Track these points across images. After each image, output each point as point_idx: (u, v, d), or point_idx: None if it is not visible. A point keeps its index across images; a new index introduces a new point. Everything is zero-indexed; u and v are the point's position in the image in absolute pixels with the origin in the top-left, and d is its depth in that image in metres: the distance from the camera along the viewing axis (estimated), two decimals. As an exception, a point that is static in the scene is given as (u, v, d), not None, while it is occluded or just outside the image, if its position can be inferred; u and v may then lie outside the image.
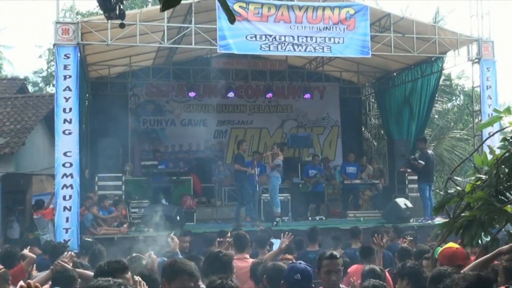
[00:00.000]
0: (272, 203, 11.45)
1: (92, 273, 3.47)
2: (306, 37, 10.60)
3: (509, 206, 2.99)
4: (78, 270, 4.06)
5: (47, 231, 10.42)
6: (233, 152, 16.36)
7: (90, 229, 9.93)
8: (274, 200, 11.42)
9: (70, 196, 9.42)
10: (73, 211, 9.41)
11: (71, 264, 4.20)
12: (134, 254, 4.41)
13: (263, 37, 10.46)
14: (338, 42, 10.81)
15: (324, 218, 12.54)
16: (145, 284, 2.91)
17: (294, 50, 10.68)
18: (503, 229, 3.15)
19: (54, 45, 9.98)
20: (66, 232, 9.30)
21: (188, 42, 10.69)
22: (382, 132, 17.94)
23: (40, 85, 28.45)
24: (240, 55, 13.04)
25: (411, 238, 7.56)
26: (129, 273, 2.93)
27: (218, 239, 6.98)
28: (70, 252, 4.38)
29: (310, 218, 12.48)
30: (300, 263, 3.62)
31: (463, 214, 3.13)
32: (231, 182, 14.76)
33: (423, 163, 11.79)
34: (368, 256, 5.58)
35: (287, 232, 6.09)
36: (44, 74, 27.97)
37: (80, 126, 10.06)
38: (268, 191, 11.75)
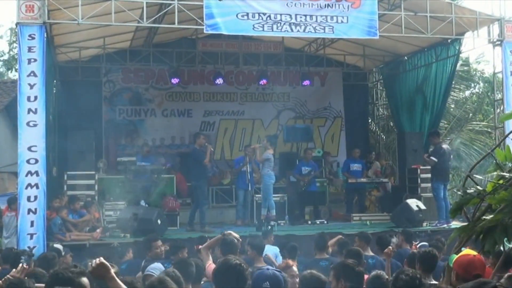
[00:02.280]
0: (264, 204, 11.48)
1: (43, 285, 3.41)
2: (305, 15, 10.57)
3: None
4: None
5: (13, 233, 10.32)
6: (222, 145, 16.45)
7: (58, 235, 9.89)
8: (267, 201, 11.44)
9: (36, 197, 9.35)
10: (39, 214, 9.35)
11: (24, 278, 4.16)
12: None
13: (256, 16, 10.42)
14: (342, 22, 10.78)
15: (325, 222, 12.59)
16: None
17: (292, 30, 10.65)
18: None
19: (17, 24, 9.88)
20: (31, 238, 9.23)
21: (171, 21, 10.63)
22: (392, 124, 17.98)
23: (1, 70, 28.27)
24: (230, 36, 12.97)
25: (425, 243, 7.59)
26: (86, 279, 2.93)
27: (197, 247, 7.03)
28: (22, 264, 4.32)
29: (309, 222, 12.52)
30: (268, 269, 3.62)
31: (483, 217, 3.12)
32: (220, 180, 14.83)
33: (435, 160, 11.82)
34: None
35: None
36: (6, 57, 27.80)
37: (46, 117, 9.99)
38: (261, 191, 11.77)
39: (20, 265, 4.37)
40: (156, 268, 5.43)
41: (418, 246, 7.55)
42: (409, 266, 5.57)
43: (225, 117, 16.49)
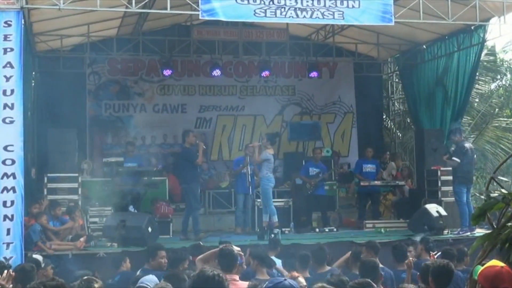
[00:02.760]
0: (264, 210, 11.50)
1: None
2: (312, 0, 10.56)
3: None
4: None
5: None
6: (220, 145, 16.45)
7: (38, 244, 9.89)
8: (267, 207, 11.47)
9: (12, 202, 9.29)
10: (16, 221, 9.28)
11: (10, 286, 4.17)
12: (85, 277, 4.40)
13: (258, 0, 10.40)
14: (353, 7, 10.74)
15: (335, 230, 12.62)
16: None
17: (297, 16, 10.61)
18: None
19: (-9, 9, 9.88)
20: (7, 247, 9.18)
21: (163, 6, 10.62)
22: (409, 121, 18.00)
23: (-26, 60, 28.22)
24: (228, 23, 12.98)
25: (439, 253, 7.60)
26: None
27: (193, 258, 7.00)
28: (8, 271, 4.34)
29: (317, 230, 12.55)
30: (285, 280, 3.76)
31: (509, 224, 3.12)
32: (217, 184, 14.84)
33: (458, 160, 11.81)
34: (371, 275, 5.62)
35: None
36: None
37: (24, 113, 9.99)
38: (260, 196, 11.81)
39: (6, 271, 4.37)
40: (151, 281, 5.44)
41: (436, 256, 7.55)
42: (423, 280, 5.58)
43: (223, 113, 16.52)
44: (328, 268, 7.10)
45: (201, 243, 8.70)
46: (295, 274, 6.15)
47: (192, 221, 11.55)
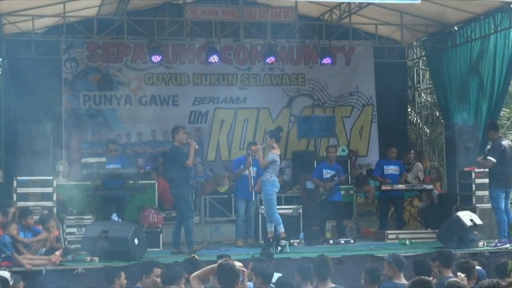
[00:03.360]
0: (269, 219, 11.48)
1: None
2: (325, -27, 10.55)
3: None
4: None
5: None
6: (217, 142, 16.43)
7: (14, 256, 9.87)
8: (271, 216, 11.44)
9: (-24, 210, 9.34)
10: (-20, 232, 9.34)
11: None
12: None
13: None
14: (373, -19, 10.74)
15: (352, 242, 12.59)
16: None
17: (308, -8, 10.62)
18: None
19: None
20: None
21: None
22: (438, 114, 17.94)
23: None
24: (227, 1, 12.94)
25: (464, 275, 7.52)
26: None
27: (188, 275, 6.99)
28: None
29: (331, 242, 12.53)
30: None
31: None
32: (214, 188, 14.81)
33: (494, 160, 11.75)
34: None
35: None
36: None
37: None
38: (263, 203, 11.79)
39: None
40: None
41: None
42: None
43: (222, 106, 16.53)
44: (332, 285, 7.03)
45: (196, 256, 8.65)
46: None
47: (184, 231, 11.51)
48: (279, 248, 11.04)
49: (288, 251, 11.10)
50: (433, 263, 8.02)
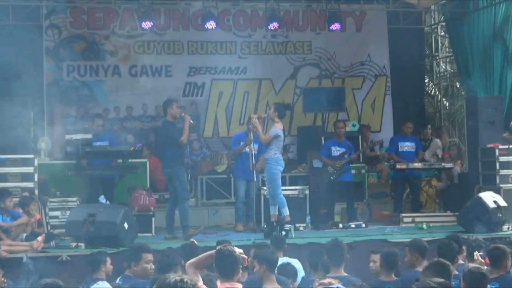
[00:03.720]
0: (272, 201, 11.47)
1: None
2: None
3: None
4: None
5: None
6: (215, 117, 16.39)
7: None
8: (274, 197, 11.42)
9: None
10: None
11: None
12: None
13: None
14: None
15: (363, 226, 12.62)
16: None
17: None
18: None
19: None
20: None
21: None
22: (458, 86, 17.88)
23: None
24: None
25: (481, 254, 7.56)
26: None
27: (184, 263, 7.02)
28: None
29: (341, 226, 12.56)
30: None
31: None
32: (212, 167, 14.79)
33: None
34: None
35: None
36: None
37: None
38: (266, 183, 11.76)
39: None
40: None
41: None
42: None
43: (220, 77, 16.46)
44: (344, 274, 7.01)
45: (195, 241, 8.65)
46: (331, 280, 6.13)
47: (179, 215, 11.52)
48: (283, 233, 11.00)
49: (293, 236, 11.10)
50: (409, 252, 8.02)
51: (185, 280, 3.88)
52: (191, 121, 11.55)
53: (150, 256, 7.30)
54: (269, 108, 11.99)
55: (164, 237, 11.35)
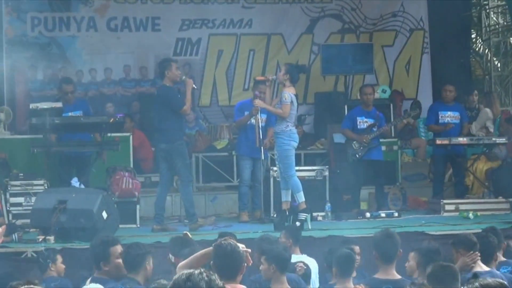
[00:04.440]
0: (284, 184, 11.44)
1: None
2: None
3: None
4: None
5: None
6: (214, 81, 16.33)
7: None
8: (286, 180, 11.40)
9: None
10: None
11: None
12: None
13: None
14: None
15: (396, 214, 12.58)
16: None
17: None
18: None
19: None
20: None
21: None
22: (512, 42, 17.80)
23: None
24: None
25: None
26: None
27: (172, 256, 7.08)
28: None
29: (368, 215, 12.50)
30: None
31: None
32: (210, 143, 14.77)
33: None
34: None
35: None
36: None
37: None
38: (276, 162, 11.71)
39: None
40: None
41: None
42: None
43: (219, 32, 16.52)
44: (397, 276, 6.99)
45: (188, 234, 8.64)
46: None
47: (183, 201, 11.55)
48: (298, 223, 10.95)
49: (309, 227, 11.07)
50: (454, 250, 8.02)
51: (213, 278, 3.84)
52: (193, 85, 11.56)
53: (119, 248, 7.16)
54: (280, 69, 11.92)
55: (152, 228, 11.33)
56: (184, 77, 11.58)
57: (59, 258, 8.18)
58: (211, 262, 5.53)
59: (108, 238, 7.50)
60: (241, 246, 5.53)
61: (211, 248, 5.54)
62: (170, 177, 11.58)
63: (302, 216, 11.11)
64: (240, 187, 12.71)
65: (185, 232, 9.15)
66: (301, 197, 11.30)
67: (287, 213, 11.27)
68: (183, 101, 11.31)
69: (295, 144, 11.48)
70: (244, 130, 12.55)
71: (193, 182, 12.11)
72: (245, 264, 5.47)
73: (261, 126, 11.97)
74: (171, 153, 11.42)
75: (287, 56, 16.15)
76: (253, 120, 12.19)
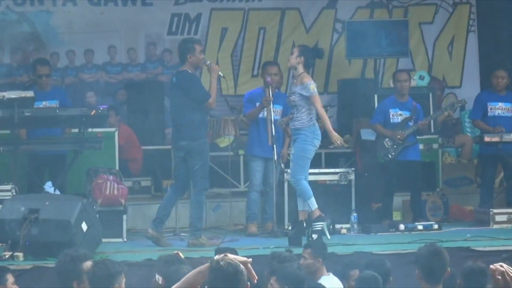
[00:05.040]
0: (298, 192, 11.46)
1: None
2: None
3: None
4: None
5: None
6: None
7: None
8: (293, 184, 11.51)
9: None
10: None
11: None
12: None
13: None
14: None
15: (436, 227, 12.62)
16: None
17: None
18: None
19: None
20: None
21: None
22: None
23: None
24: None
25: None
26: None
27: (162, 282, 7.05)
28: None
29: (402, 227, 12.50)
30: None
31: None
32: (211, 140, 14.66)
33: None
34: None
35: None
36: None
37: None
38: (291, 162, 11.72)
39: None
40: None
41: None
42: None
43: (222, 6, 16.53)
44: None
45: (180, 254, 8.57)
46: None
47: (190, 211, 11.66)
48: (314, 235, 10.99)
49: (328, 238, 11.03)
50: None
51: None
52: (220, 73, 11.66)
53: (12, 279, 7.28)
54: (293, 52, 11.83)
55: (146, 233, 11.36)
56: (208, 62, 11.68)
57: (10, 278, 8.10)
58: (206, 287, 5.46)
59: (78, 253, 7.39)
60: (241, 260, 5.40)
61: (206, 265, 5.44)
62: (187, 182, 11.71)
63: (317, 226, 11.09)
64: (249, 192, 12.76)
65: (176, 251, 9.08)
66: (313, 204, 11.31)
67: (304, 224, 11.24)
68: (208, 92, 11.38)
69: (318, 144, 11.50)
70: (256, 125, 12.66)
71: (208, 188, 12.03)
72: (248, 285, 5.41)
73: (273, 119, 11.96)
74: (191, 152, 11.44)
75: (305, 36, 16.12)
76: (264, 113, 12.18)
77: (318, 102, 11.32)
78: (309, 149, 11.30)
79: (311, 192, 11.28)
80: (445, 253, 7.20)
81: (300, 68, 11.42)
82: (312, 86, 11.23)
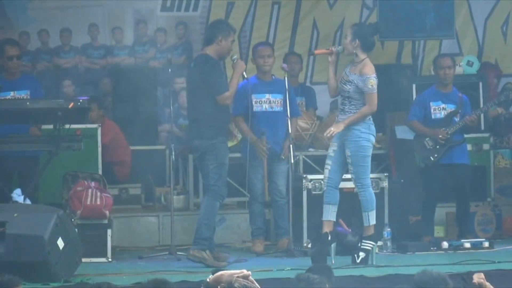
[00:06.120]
0: (328, 197, 11.60)
1: None
2: None
3: None
4: None
5: None
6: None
7: None
8: (360, 190, 11.64)
9: None
10: None
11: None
12: None
13: None
14: None
15: (487, 244, 12.67)
16: None
17: None
18: None
19: None
20: None
21: None
22: None
23: None
24: None
25: None
26: None
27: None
28: None
29: (446, 245, 12.58)
30: None
31: None
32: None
33: None
34: None
35: None
36: None
37: None
38: (352, 166, 11.73)
39: None
40: None
41: None
42: None
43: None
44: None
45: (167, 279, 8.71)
46: None
47: (200, 219, 11.74)
48: (362, 254, 11.22)
49: (373, 262, 11.28)
50: None
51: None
52: (244, 73, 11.83)
53: None
54: (345, 37, 11.91)
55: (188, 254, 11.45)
56: (235, 57, 11.85)
57: None
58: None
59: (8, 279, 7.18)
60: (236, 273, 5.52)
61: None
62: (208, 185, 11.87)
63: (368, 245, 11.29)
64: (250, 204, 12.96)
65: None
66: (373, 219, 11.49)
67: (329, 237, 11.32)
68: (227, 86, 11.53)
69: (374, 140, 11.74)
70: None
71: (225, 196, 12.20)
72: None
73: (276, 112, 12.14)
74: (205, 153, 11.61)
75: (328, 12, 16.30)
76: (264, 105, 12.25)
77: (373, 103, 11.48)
78: (366, 146, 11.48)
79: (375, 203, 11.50)
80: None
81: (361, 54, 11.51)
82: (372, 82, 11.44)
